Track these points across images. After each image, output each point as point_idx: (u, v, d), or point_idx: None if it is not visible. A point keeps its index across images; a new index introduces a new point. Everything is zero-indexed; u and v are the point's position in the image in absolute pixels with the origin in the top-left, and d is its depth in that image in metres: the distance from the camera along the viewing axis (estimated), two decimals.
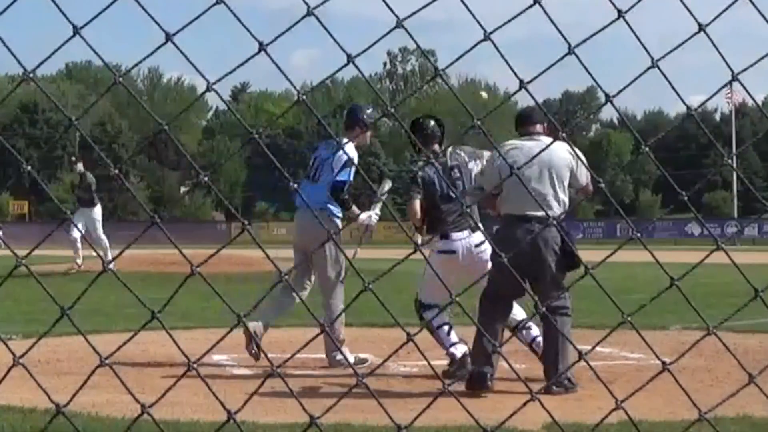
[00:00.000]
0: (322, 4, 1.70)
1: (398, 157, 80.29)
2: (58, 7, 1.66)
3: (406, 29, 1.73)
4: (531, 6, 1.80)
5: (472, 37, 1.78)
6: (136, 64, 1.88)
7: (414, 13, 1.74)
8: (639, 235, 1.98)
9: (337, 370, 7.59)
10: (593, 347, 2.11)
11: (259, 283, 8.06)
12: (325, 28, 1.73)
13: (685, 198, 1.97)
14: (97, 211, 18.60)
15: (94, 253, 2.26)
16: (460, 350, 7.18)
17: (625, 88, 1.90)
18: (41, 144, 78.91)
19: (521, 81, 1.80)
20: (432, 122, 7.81)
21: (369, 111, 8.25)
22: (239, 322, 1.81)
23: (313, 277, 8.04)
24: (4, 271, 1.92)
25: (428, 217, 7.42)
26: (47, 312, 9.46)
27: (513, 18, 1.77)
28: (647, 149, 1.97)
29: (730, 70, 1.90)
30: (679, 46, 1.88)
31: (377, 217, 8.09)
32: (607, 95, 1.86)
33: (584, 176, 6.78)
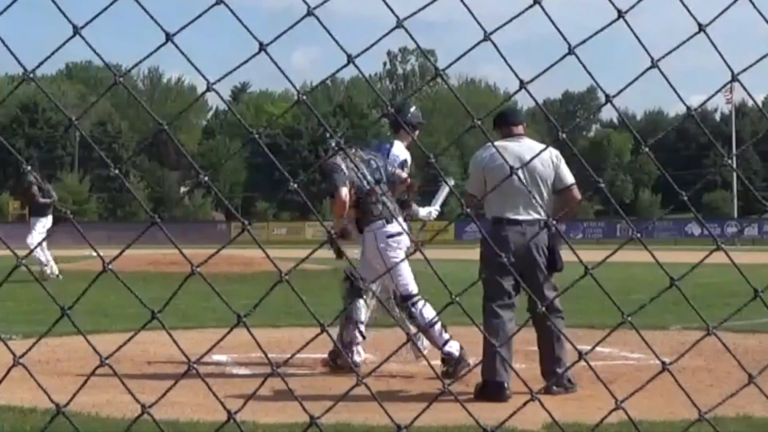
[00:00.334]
0: (322, 4, 1.70)
1: None
2: (58, 7, 1.66)
3: (406, 29, 1.73)
4: (531, 6, 1.80)
5: (472, 38, 1.78)
6: (136, 64, 1.87)
7: (414, 13, 1.74)
8: (639, 235, 1.98)
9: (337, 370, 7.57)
10: (593, 347, 2.11)
11: (259, 284, 8.06)
12: (325, 28, 1.73)
13: (685, 198, 1.97)
14: (43, 221, 18.25)
15: (94, 254, 2.26)
16: (455, 347, 7.17)
17: (625, 88, 1.90)
18: (41, 144, 78.95)
19: (521, 81, 1.80)
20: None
21: (413, 110, 8.34)
22: (239, 322, 1.81)
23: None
24: (4, 271, 1.92)
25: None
26: (47, 312, 9.47)
27: (513, 18, 1.77)
28: (647, 149, 1.97)
29: (730, 70, 1.90)
30: (679, 46, 1.88)
31: (437, 213, 8.30)
32: (607, 95, 1.86)
33: (568, 176, 6.79)
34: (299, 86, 1.84)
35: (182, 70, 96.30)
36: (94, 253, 2.07)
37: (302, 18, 1.71)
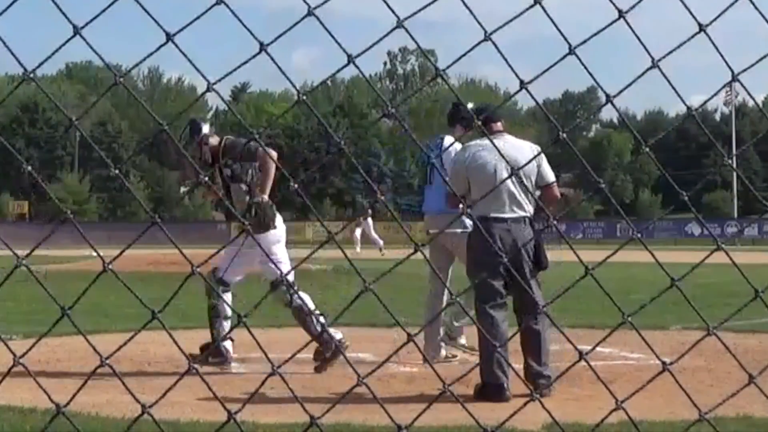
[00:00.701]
0: (322, 4, 1.70)
1: (398, 156, 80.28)
2: (58, 7, 1.66)
3: (406, 29, 1.73)
4: (531, 6, 1.80)
5: (472, 38, 1.78)
6: (137, 64, 1.87)
7: (414, 13, 1.74)
8: (639, 235, 1.98)
9: (336, 369, 7.56)
10: (593, 347, 2.11)
11: (259, 284, 8.06)
12: (326, 28, 1.73)
13: (686, 198, 1.97)
14: None
15: (94, 254, 2.27)
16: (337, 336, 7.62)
17: (625, 88, 1.90)
18: (41, 144, 78.98)
19: (521, 81, 1.80)
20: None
21: (470, 105, 8.47)
22: (239, 322, 1.81)
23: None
24: (4, 271, 1.92)
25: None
26: (47, 312, 9.46)
27: (513, 18, 1.77)
28: (648, 149, 1.97)
29: (730, 70, 1.90)
30: (680, 46, 1.87)
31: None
32: (607, 95, 1.86)
33: (549, 174, 6.79)
34: (299, 86, 1.84)
35: (182, 70, 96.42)
36: (94, 253, 2.07)
37: (302, 18, 1.71)
